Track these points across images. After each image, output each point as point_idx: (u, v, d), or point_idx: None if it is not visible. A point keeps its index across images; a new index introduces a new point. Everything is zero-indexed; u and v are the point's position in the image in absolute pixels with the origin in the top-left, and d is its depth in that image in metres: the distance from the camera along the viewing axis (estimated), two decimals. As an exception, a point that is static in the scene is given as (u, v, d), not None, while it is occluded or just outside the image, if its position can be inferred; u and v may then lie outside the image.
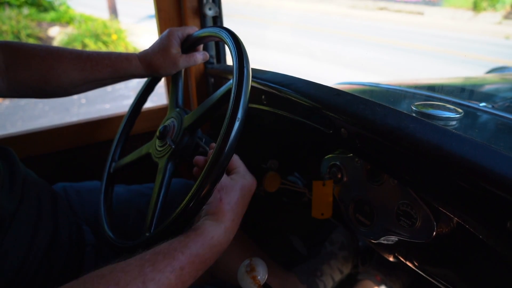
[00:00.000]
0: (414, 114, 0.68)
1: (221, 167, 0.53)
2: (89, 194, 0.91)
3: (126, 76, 0.82)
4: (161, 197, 0.68)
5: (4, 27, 6.35)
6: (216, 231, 0.54)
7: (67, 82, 0.77)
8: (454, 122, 0.67)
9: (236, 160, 0.68)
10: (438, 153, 0.45)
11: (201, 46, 0.86)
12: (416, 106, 0.68)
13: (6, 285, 0.60)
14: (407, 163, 0.51)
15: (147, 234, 0.64)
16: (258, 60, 6.55)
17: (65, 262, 0.72)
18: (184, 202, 0.54)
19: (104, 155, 0.90)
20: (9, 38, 6.29)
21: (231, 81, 0.63)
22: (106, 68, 0.78)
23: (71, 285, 0.41)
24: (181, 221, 0.55)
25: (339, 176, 0.73)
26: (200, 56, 0.83)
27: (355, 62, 6.29)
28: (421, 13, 11.26)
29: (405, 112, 0.55)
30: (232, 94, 0.57)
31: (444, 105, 0.71)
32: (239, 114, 0.56)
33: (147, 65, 0.81)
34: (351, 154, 0.69)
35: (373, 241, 0.68)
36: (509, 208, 0.39)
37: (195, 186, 0.53)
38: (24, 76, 0.75)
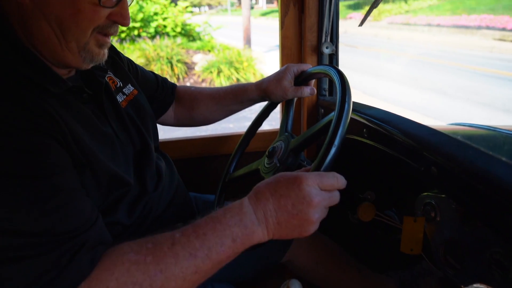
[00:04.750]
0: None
1: None
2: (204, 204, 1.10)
3: (244, 101, 1.03)
4: None
5: (162, 53, 7.71)
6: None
7: (205, 109, 1.05)
8: None
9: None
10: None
11: (313, 81, 0.98)
12: (527, 154, 0.66)
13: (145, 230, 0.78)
14: (496, 209, 0.51)
15: None
16: (378, 93, 6.37)
17: None
18: None
19: (222, 166, 1.08)
20: (164, 62, 7.60)
21: (334, 112, 0.72)
22: (230, 96, 1.03)
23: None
24: None
25: (432, 215, 0.73)
26: (307, 90, 0.95)
27: (496, 101, 5.54)
28: None
29: (499, 157, 0.55)
30: (332, 124, 0.66)
31: None
32: (336, 141, 0.64)
33: (261, 91, 0.99)
34: (446, 195, 0.70)
35: (462, 286, 0.66)
36: None
37: None
38: (181, 106, 1.06)
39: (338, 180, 0.60)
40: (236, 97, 1.03)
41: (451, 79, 6.86)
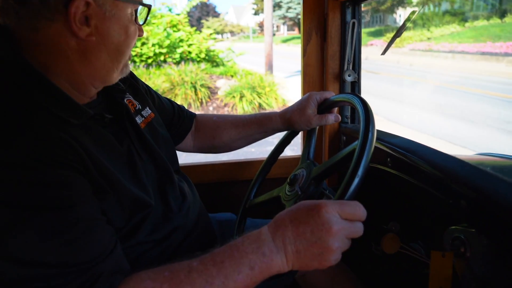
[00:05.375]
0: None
1: None
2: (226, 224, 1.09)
3: (268, 130, 1.02)
4: None
5: (186, 78, 7.93)
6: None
7: (227, 137, 1.05)
8: None
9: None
10: None
11: (336, 108, 0.98)
12: None
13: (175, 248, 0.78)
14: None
15: None
16: (402, 120, 6.28)
17: None
18: None
19: (242, 192, 1.07)
20: (188, 87, 7.80)
21: (357, 141, 0.71)
22: (253, 124, 1.03)
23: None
24: None
25: (462, 250, 0.70)
26: (331, 118, 0.95)
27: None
28: None
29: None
30: (355, 154, 0.65)
31: None
32: (360, 172, 0.62)
33: (285, 121, 0.99)
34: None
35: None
36: None
37: None
38: (202, 134, 1.07)
39: (359, 209, 0.58)
40: (259, 126, 1.03)
41: (479, 106, 6.70)
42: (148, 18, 0.70)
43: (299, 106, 0.96)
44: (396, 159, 0.83)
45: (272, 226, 0.57)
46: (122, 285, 0.53)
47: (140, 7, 0.67)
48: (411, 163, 0.76)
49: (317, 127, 0.99)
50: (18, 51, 0.58)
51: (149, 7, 0.69)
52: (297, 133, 1.05)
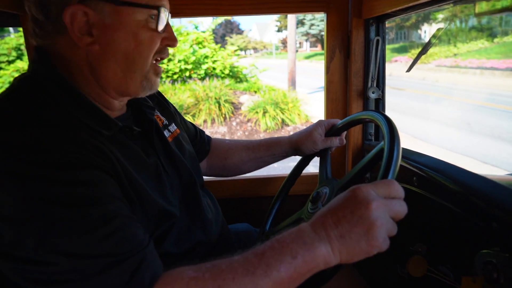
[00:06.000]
0: None
1: None
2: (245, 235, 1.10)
3: (276, 154, 1.07)
4: None
5: (210, 94, 8.07)
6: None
7: (238, 159, 1.09)
8: None
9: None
10: None
11: (344, 132, 1.02)
12: None
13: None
14: None
15: None
16: (429, 137, 6.12)
17: None
18: None
19: (263, 207, 1.07)
20: (212, 102, 7.93)
21: (381, 143, 0.70)
22: (262, 147, 1.08)
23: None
24: None
25: (495, 276, 0.66)
26: (336, 140, 1.00)
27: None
28: None
29: None
30: (380, 172, 0.64)
31: None
32: (394, 159, 0.63)
33: (292, 143, 1.04)
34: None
35: None
36: None
37: None
38: (215, 155, 1.11)
39: (395, 185, 0.57)
40: (268, 148, 1.07)
41: (510, 124, 6.44)
42: (166, 24, 0.67)
43: (307, 130, 1.02)
44: (422, 178, 0.80)
45: (311, 220, 0.58)
46: (164, 274, 0.55)
47: (162, 14, 0.64)
48: (438, 182, 0.74)
49: (329, 152, 1.01)
50: (51, 65, 0.62)
51: (158, 10, 0.64)
52: (309, 160, 1.06)
